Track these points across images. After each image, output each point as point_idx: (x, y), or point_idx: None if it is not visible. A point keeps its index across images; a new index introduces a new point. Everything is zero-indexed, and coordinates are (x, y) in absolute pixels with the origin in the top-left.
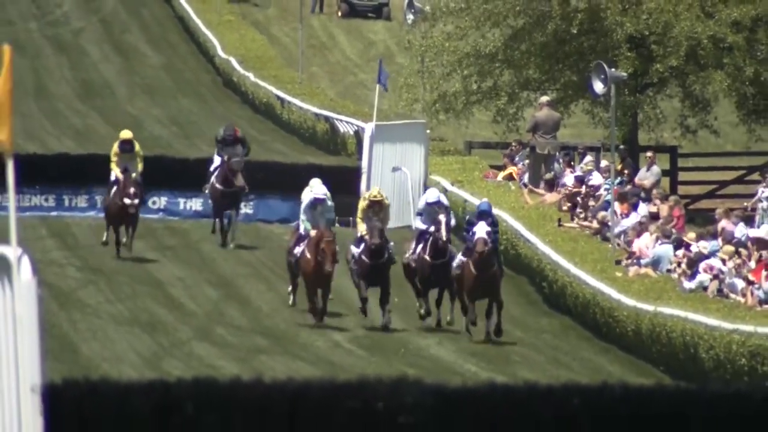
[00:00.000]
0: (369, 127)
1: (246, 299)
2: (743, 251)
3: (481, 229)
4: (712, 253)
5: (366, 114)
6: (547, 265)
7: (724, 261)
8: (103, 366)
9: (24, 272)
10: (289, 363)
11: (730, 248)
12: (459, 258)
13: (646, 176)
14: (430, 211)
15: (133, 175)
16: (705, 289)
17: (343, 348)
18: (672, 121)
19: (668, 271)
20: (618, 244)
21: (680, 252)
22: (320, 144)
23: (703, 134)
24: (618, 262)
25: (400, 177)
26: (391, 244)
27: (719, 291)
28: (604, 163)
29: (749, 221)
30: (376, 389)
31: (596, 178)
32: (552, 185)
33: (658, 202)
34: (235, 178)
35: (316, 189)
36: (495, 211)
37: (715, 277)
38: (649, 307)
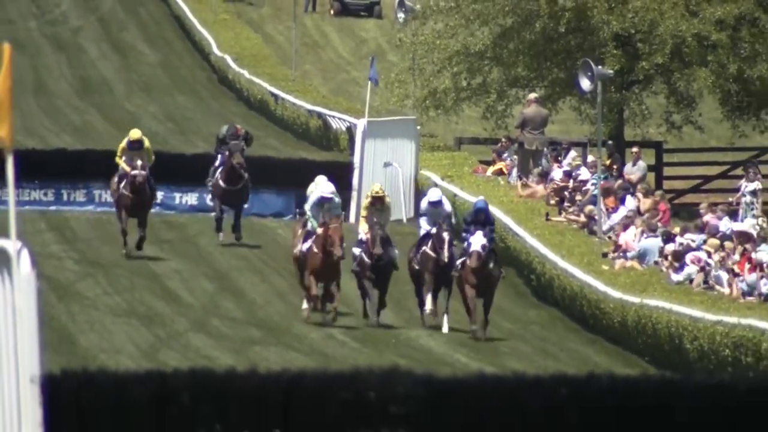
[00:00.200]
0: (361, 124)
1: (241, 292)
2: (729, 244)
3: (477, 242)
4: (699, 246)
5: (358, 110)
6: (535, 258)
7: (709, 254)
8: (100, 357)
9: (23, 265)
10: (283, 354)
11: (716, 242)
12: (457, 260)
13: (632, 171)
14: (433, 212)
15: (140, 163)
16: (692, 281)
17: (336, 339)
18: (657, 117)
19: (656, 263)
20: (609, 237)
21: (670, 246)
22: (313, 140)
23: (687, 130)
24: (604, 255)
25: (391, 172)
26: (396, 252)
27: (705, 283)
28: (590, 158)
29: (733, 215)
30: (368, 380)
31: (583, 173)
32: (546, 177)
33: (640, 196)
34: (234, 157)
35: (323, 187)
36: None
37: (702, 269)
38: (635, 299)
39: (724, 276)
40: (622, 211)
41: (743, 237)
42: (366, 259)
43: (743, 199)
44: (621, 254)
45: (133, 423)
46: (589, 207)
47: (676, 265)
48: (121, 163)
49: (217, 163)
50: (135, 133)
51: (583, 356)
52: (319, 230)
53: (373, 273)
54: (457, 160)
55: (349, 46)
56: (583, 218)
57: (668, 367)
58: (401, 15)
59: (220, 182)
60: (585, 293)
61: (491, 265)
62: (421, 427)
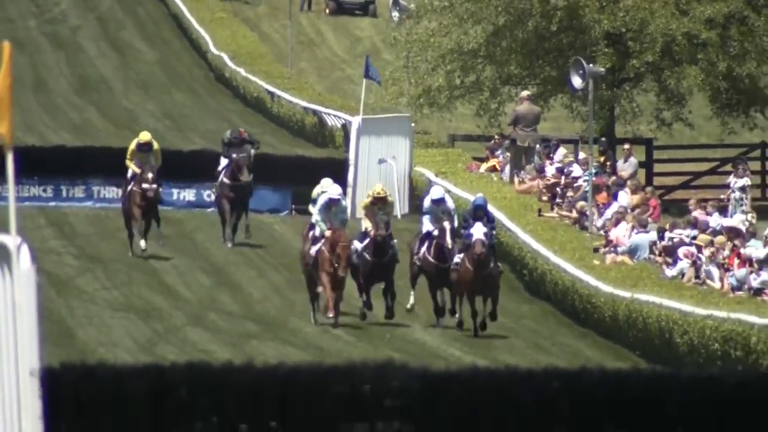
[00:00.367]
0: (356, 121)
1: (238, 286)
2: (720, 239)
3: (479, 230)
4: (690, 241)
5: (353, 108)
6: (528, 254)
7: (700, 248)
8: (99, 351)
9: (23, 260)
10: (279, 348)
11: (706, 237)
12: (456, 257)
13: (623, 167)
14: (436, 211)
15: (151, 176)
16: (684, 276)
17: (331, 334)
18: (648, 114)
19: (649, 258)
20: (603, 232)
21: (662, 241)
22: (309, 137)
23: (677, 127)
24: (596, 251)
25: (386, 169)
26: (395, 241)
27: (696, 277)
28: (582, 155)
29: (723, 211)
30: (363, 373)
31: (575, 170)
32: (542, 173)
33: (627, 191)
34: (241, 173)
35: (330, 189)
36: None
37: (693, 263)
38: (626, 294)
39: (716, 271)
40: (615, 207)
41: (733, 232)
42: (368, 257)
43: (732, 195)
44: (612, 249)
45: (132, 416)
46: (581, 203)
47: (669, 260)
48: (132, 165)
49: (220, 167)
50: (145, 135)
51: (575, 350)
52: (328, 233)
53: (375, 270)
54: (451, 157)
55: (344, 45)
56: (575, 214)
57: (658, 361)
58: (396, 14)
59: (224, 179)
60: (577, 288)
61: (491, 264)
62: (415, 420)
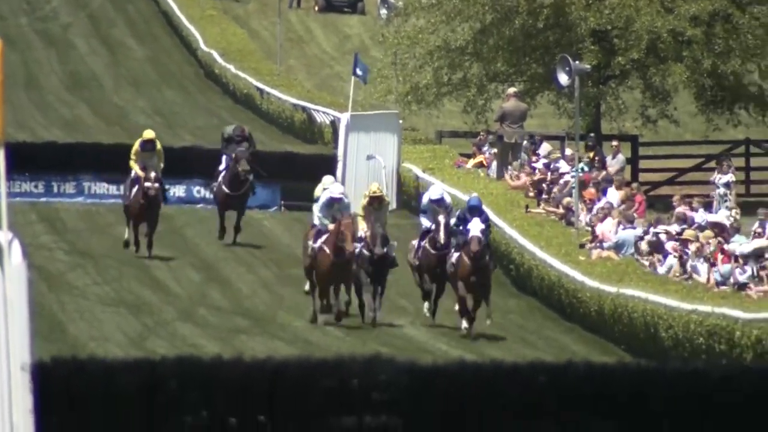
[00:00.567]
0: (344, 117)
1: (227, 282)
2: (708, 233)
3: (476, 227)
4: (677, 236)
5: (341, 105)
6: (515, 249)
7: (685, 243)
8: (90, 345)
9: (15, 256)
10: (268, 342)
11: (692, 232)
12: (453, 254)
13: (611, 164)
14: (434, 209)
15: (154, 175)
16: (670, 270)
17: (320, 329)
18: (633, 111)
19: (633, 255)
20: (588, 228)
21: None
22: (298, 133)
23: (663, 124)
24: (582, 246)
25: (374, 165)
26: (394, 243)
27: (684, 272)
28: (569, 151)
29: (708, 207)
30: (351, 367)
31: (562, 166)
32: (533, 170)
33: (613, 187)
34: (239, 164)
35: (332, 188)
36: (464, 197)
37: (680, 258)
38: (612, 289)
39: (703, 266)
40: (602, 203)
41: (717, 228)
42: (365, 252)
43: (717, 191)
44: (597, 244)
45: (122, 410)
46: (567, 199)
47: (660, 257)
48: (135, 167)
49: (221, 166)
50: (148, 134)
51: (561, 344)
52: (331, 227)
53: (371, 266)
54: (438, 153)
55: (332, 42)
56: (561, 210)
57: (644, 355)
58: (384, 11)
59: (223, 188)
60: (563, 283)
61: (487, 257)
62: (402, 414)
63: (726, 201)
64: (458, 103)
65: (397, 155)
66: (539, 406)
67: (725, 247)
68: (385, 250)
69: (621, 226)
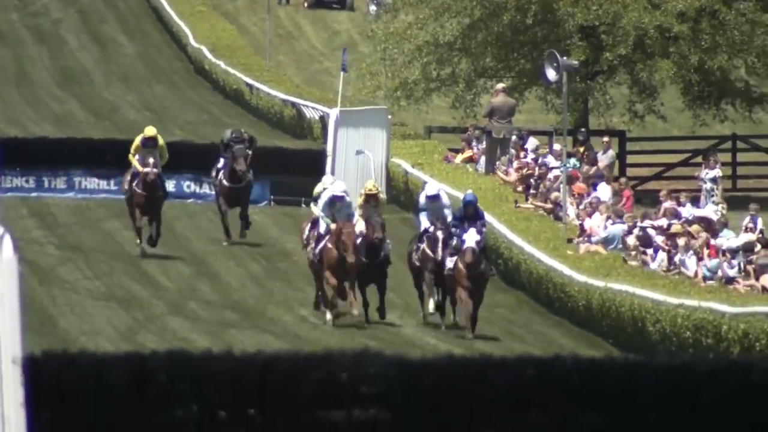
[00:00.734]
0: (333, 113)
1: (217, 276)
2: (696, 227)
3: (471, 238)
4: (666, 230)
5: (331, 100)
6: (503, 243)
7: (673, 237)
8: (81, 339)
9: (6, 250)
10: (258, 336)
11: (680, 227)
12: (449, 260)
13: (601, 159)
14: (432, 206)
15: (152, 161)
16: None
17: (309, 322)
18: (621, 106)
19: (626, 250)
20: (576, 222)
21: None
22: (287, 128)
23: (650, 119)
24: (569, 241)
25: (363, 160)
26: (389, 243)
27: (673, 266)
28: (557, 146)
29: (696, 202)
30: (340, 361)
31: (550, 161)
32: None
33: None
34: (237, 163)
35: (333, 186)
36: (453, 192)
37: (668, 252)
38: (599, 283)
39: (691, 260)
40: (592, 197)
41: (704, 223)
42: (363, 258)
43: (704, 186)
44: (585, 238)
45: (113, 403)
46: (555, 194)
47: (650, 252)
48: (134, 161)
49: (219, 165)
50: (150, 130)
51: (549, 338)
52: (333, 226)
53: (369, 271)
54: (427, 148)
55: (322, 38)
56: (549, 204)
57: (631, 349)
58: (373, 7)
59: (224, 182)
60: (551, 277)
61: (482, 265)
62: (391, 407)
63: (713, 196)
64: (447, 98)
65: (386, 150)
66: (527, 400)
67: (712, 241)
68: (384, 234)
69: (610, 221)
